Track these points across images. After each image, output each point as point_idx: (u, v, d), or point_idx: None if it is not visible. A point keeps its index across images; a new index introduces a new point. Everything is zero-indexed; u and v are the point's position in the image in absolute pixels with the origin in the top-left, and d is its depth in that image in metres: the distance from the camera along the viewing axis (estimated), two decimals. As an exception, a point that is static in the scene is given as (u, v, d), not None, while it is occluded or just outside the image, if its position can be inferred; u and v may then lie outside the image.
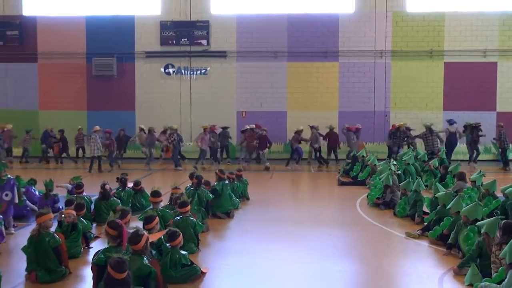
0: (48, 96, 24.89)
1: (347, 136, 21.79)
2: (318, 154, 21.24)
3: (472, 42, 23.42)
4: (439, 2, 23.64)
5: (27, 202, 11.78)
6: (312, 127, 21.29)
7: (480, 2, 23.49)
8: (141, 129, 21.96)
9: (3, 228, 9.48)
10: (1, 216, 9.66)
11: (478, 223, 8.16)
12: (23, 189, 12.08)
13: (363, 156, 18.18)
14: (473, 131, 20.67)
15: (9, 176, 10.55)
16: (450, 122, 21.33)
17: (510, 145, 21.15)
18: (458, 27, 23.44)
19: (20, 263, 8.11)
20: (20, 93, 24.97)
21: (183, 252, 7.90)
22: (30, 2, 25.05)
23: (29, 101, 24.95)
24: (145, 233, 6.89)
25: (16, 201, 10.61)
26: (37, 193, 12.76)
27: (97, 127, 19.94)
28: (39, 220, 7.81)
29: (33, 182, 12.88)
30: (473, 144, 20.70)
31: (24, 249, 7.81)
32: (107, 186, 11.76)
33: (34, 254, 7.67)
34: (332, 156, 21.75)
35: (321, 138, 21.39)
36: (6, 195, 10.24)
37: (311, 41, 23.83)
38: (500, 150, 20.94)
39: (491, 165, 20.97)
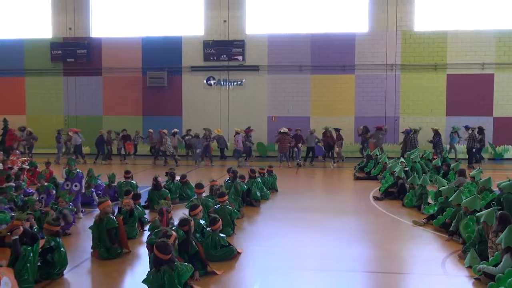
0: (110, 104, 25.33)
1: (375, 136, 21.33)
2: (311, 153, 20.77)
3: (471, 57, 22.88)
4: (442, 22, 23.17)
5: (94, 194, 11.92)
6: (336, 130, 21.03)
7: (479, 22, 22.93)
8: (174, 133, 21.48)
9: (73, 213, 9.68)
10: (71, 204, 9.88)
11: (478, 213, 8.02)
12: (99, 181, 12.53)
13: (376, 154, 18.01)
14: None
15: (78, 170, 10.80)
16: (467, 127, 20.67)
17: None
18: (459, 43, 22.94)
19: (87, 242, 8.29)
20: (87, 101, 25.48)
21: (221, 235, 7.94)
22: (97, 25, 25.53)
23: (94, 108, 25.44)
24: (191, 219, 7.25)
25: (83, 191, 10.89)
26: (103, 184, 12.96)
27: (176, 129, 21.45)
28: (100, 207, 8.04)
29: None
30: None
31: (91, 228, 8.04)
32: (159, 179, 11.91)
33: (96, 234, 7.86)
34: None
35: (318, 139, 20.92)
36: (76, 186, 10.54)
37: (331, 56, 23.65)
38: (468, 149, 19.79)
39: (488, 162, 20.46)
